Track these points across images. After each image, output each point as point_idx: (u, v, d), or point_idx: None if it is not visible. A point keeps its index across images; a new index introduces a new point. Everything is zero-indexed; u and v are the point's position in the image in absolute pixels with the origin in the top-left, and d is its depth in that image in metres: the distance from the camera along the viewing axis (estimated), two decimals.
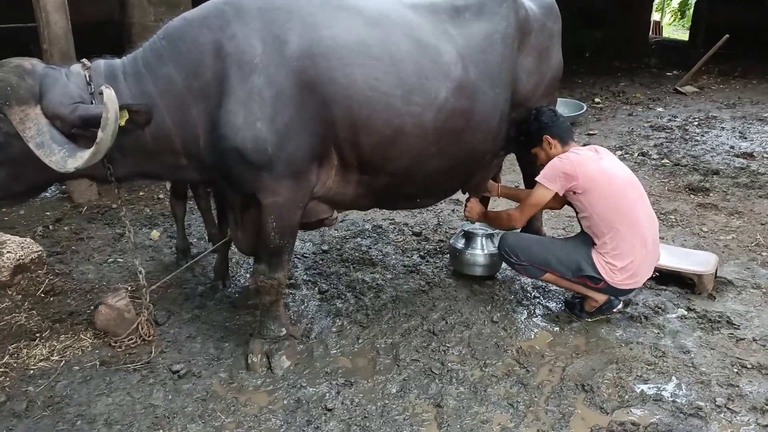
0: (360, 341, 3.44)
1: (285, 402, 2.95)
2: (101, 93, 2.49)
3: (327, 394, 2.99)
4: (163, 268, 4.28)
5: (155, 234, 4.88)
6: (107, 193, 5.60)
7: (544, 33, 3.59)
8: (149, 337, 3.33)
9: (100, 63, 2.86)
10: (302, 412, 2.87)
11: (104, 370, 3.15)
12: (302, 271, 4.29)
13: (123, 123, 2.57)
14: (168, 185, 5.02)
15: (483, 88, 3.25)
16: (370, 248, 4.66)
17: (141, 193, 5.84)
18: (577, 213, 3.52)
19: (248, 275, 4.02)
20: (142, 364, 3.19)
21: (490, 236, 4.12)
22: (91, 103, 2.70)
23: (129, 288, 3.84)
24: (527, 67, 3.52)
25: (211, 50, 2.77)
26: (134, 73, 2.83)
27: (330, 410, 2.87)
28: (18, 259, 3.90)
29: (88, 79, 2.74)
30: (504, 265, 4.01)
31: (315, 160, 2.99)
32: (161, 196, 5.75)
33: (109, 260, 4.44)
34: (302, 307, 3.81)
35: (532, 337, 3.49)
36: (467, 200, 3.99)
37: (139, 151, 2.83)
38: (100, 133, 2.46)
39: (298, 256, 4.49)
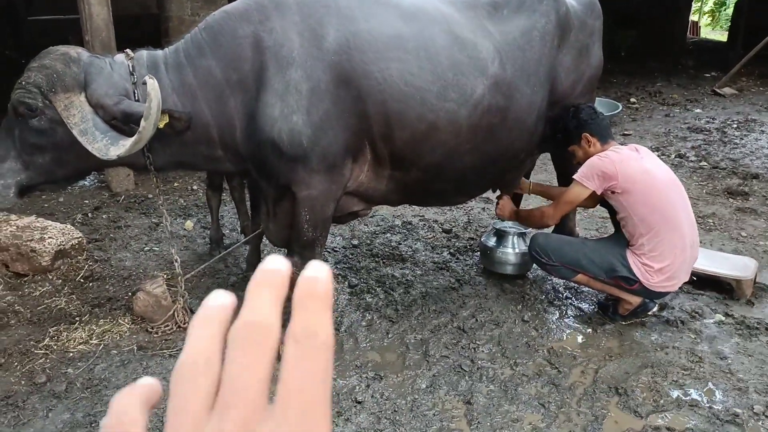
0: (389, 336, 3.45)
1: None
2: (144, 83, 2.54)
3: (357, 387, 3.00)
4: (197, 258, 4.34)
5: (189, 224, 4.95)
6: (144, 183, 5.70)
7: (585, 30, 3.54)
8: (185, 324, 3.39)
9: (143, 54, 2.91)
10: (333, 403, 2.89)
11: (141, 355, 3.22)
12: (332, 264, 4.32)
13: (162, 126, 2.63)
14: (205, 176, 5.09)
15: (520, 86, 3.22)
16: (400, 244, 4.66)
17: (176, 184, 5.93)
18: (611, 213, 3.46)
19: None
20: (177, 350, 3.24)
21: (521, 235, 4.09)
22: (134, 92, 2.76)
23: (165, 276, 3.90)
24: (566, 64, 3.48)
25: (251, 43, 2.80)
26: (175, 65, 2.87)
27: (360, 403, 2.89)
28: (59, 245, 4.00)
29: (131, 69, 2.79)
30: (535, 264, 3.98)
31: (349, 154, 3.00)
32: (195, 187, 5.84)
33: (146, 248, 4.52)
34: (332, 300, 3.83)
35: (564, 337, 3.46)
36: (498, 198, 3.96)
37: (177, 141, 2.88)
38: (143, 122, 2.51)
39: (329, 250, 4.52)
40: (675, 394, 2.95)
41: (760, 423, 2.76)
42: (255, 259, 4.11)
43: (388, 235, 4.84)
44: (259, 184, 3.33)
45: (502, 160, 3.43)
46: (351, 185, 3.14)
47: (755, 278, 3.88)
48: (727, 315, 3.61)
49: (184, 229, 4.89)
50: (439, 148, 3.11)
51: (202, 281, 4.01)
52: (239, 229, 4.60)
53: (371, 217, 5.12)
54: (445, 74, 3.00)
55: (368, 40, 2.88)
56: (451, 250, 4.56)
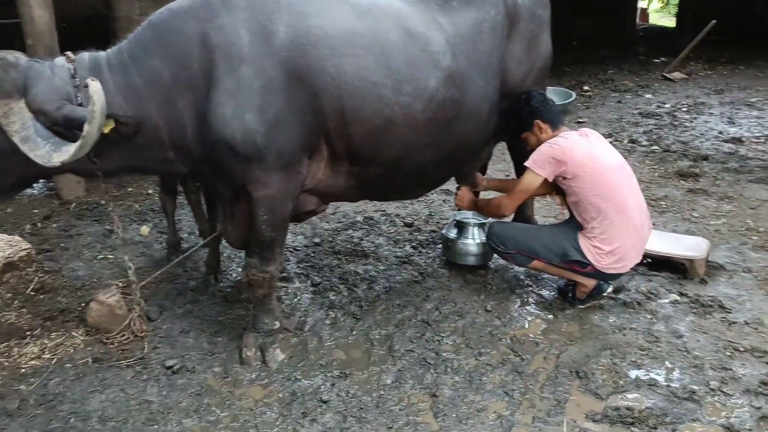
0: (354, 333, 3.44)
1: (280, 395, 2.94)
2: (86, 86, 2.46)
3: (322, 386, 2.98)
4: (154, 264, 4.24)
5: (145, 230, 4.84)
6: (96, 190, 5.54)
7: (534, 20, 3.57)
8: (141, 333, 3.31)
9: (85, 56, 2.82)
10: (298, 404, 2.86)
11: (97, 367, 3.13)
12: (294, 264, 4.27)
13: (107, 131, 2.55)
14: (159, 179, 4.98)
15: (473, 78, 3.23)
16: (362, 240, 4.64)
17: (130, 189, 5.79)
18: (565, 198, 3.52)
19: (240, 269, 4.00)
20: (135, 360, 3.17)
21: (481, 225, 4.11)
22: (76, 96, 2.67)
23: (120, 284, 3.80)
24: (517, 55, 3.50)
25: (198, 41, 2.73)
26: (119, 66, 2.79)
27: (325, 402, 2.87)
28: (6, 258, 3.85)
29: (72, 72, 2.70)
30: (494, 253, 4.01)
31: (305, 152, 2.97)
32: (150, 191, 5.70)
33: (99, 257, 4.40)
34: (295, 300, 3.80)
35: (526, 325, 3.50)
36: (457, 189, 3.98)
37: (125, 145, 2.80)
38: (86, 127, 2.42)
39: (290, 249, 4.47)
40: (634, 374, 3.01)
41: (716, 398, 2.83)
42: (215, 262, 4.04)
43: (350, 231, 4.82)
44: (214, 185, 3.27)
45: (459, 152, 3.44)
46: (309, 183, 3.11)
47: (707, 257, 3.98)
48: (681, 294, 3.70)
49: (140, 235, 4.77)
50: (396, 142, 3.09)
51: (161, 287, 3.92)
52: (197, 232, 4.51)
53: (332, 214, 5.09)
54: (399, 69, 2.98)
55: (321, 36, 2.84)
56: (414, 244, 4.56)
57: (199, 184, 4.08)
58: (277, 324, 3.27)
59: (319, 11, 2.89)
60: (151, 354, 3.23)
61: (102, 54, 2.87)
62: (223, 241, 4.20)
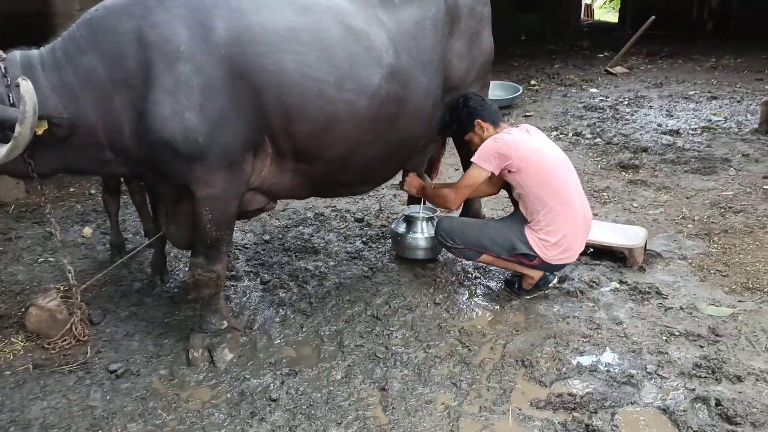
0: (304, 330, 3.44)
1: (228, 395, 2.92)
2: (18, 85, 2.38)
3: (271, 385, 2.97)
4: (98, 266, 4.14)
5: (87, 231, 4.71)
6: (35, 191, 5.35)
7: (474, 17, 3.63)
8: (84, 337, 3.23)
9: (16, 54, 2.73)
10: (246, 404, 2.85)
11: (38, 374, 3.04)
12: (243, 262, 4.24)
13: (41, 132, 2.48)
14: (101, 179, 4.85)
15: (415, 74, 3.26)
16: (313, 236, 4.64)
17: (71, 189, 5.62)
18: (510, 193, 3.59)
19: (187, 269, 3.94)
20: (77, 365, 3.09)
21: (430, 220, 4.16)
22: (8, 96, 2.58)
23: (61, 288, 3.69)
24: (458, 51, 3.55)
25: (134, 39, 2.68)
26: (53, 64, 2.71)
27: (275, 401, 2.86)
28: None
29: (3, 71, 2.61)
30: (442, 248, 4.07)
31: (249, 150, 2.95)
32: (93, 191, 5.55)
33: (40, 260, 4.27)
34: (244, 298, 3.77)
35: (474, 317, 3.56)
36: (404, 176, 3.98)
37: (61, 145, 2.72)
38: (18, 128, 2.35)
39: (239, 247, 4.43)
40: (576, 361, 3.11)
41: (652, 381, 2.95)
42: (160, 262, 3.97)
43: (300, 228, 4.80)
44: (155, 185, 3.21)
45: (404, 147, 3.48)
46: (254, 181, 3.09)
47: (645, 246, 4.14)
48: (621, 282, 3.84)
49: (83, 236, 4.64)
50: (341, 139, 3.10)
51: (104, 290, 3.84)
52: (142, 233, 4.42)
53: (282, 210, 5.07)
54: (341, 65, 2.98)
55: (261, 32, 2.82)
56: (364, 239, 4.58)
57: (143, 184, 4.00)
58: (225, 323, 3.24)
59: (259, 8, 2.86)
60: (94, 359, 3.15)
61: (35, 52, 2.78)
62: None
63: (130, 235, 4.62)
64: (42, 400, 2.87)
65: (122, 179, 4.10)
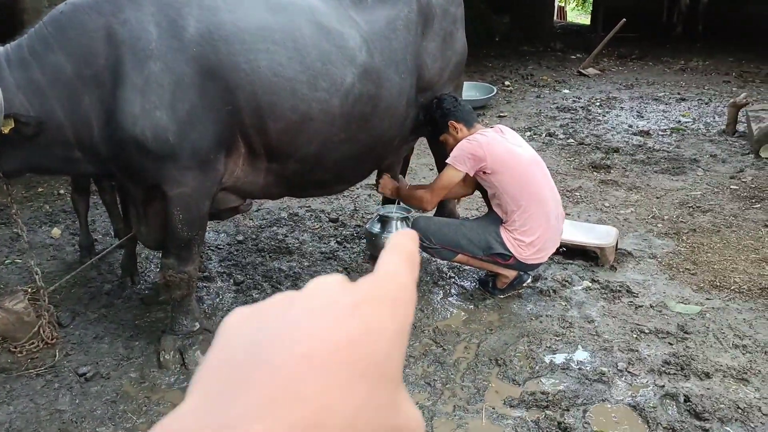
0: None
1: None
2: None
3: None
4: (66, 267, 4.06)
5: (56, 232, 4.62)
6: (2, 191, 5.22)
7: (448, 18, 3.65)
8: (52, 340, 3.17)
9: None
10: None
11: (4, 378, 2.97)
12: (217, 263, 4.19)
13: (6, 130, 2.42)
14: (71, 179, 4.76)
15: (388, 74, 3.28)
16: (287, 236, 4.61)
17: (40, 189, 5.50)
18: (484, 194, 3.62)
19: (158, 270, 3.88)
20: (45, 369, 3.03)
21: (404, 220, 4.16)
22: None
23: (29, 290, 3.61)
24: (432, 52, 3.58)
25: (103, 36, 2.64)
26: (19, 61, 2.65)
27: None
28: None
29: None
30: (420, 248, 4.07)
31: (222, 149, 2.92)
32: (62, 191, 5.44)
33: (7, 261, 4.17)
34: (217, 300, 3.73)
35: (448, 316, 3.58)
36: (378, 177, 4.00)
37: (28, 144, 2.66)
38: None
39: (212, 248, 4.38)
40: (548, 359, 3.14)
41: (623, 378, 3.00)
42: (131, 263, 3.90)
43: (275, 228, 4.77)
44: (126, 185, 3.16)
45: (377, 146, 3.48)
46: (227, 180, 3.06)
47: (617, 245, 4.20)
48: (593, 281, 3.89)
49: (51, 237, 4.55)
50: (314, 138, 3.09)
51: (73, 292, 3.76)
52: (112, 233, 4.35)
53: (256, 210, 5.03)
54: (314, 64, 2.98)
55: (233, 31, 2.80)
56: (339, 239, 4.57)
57: (114, 183, 3.94)
58: (197, 325, 3.21)
59: (231, 6, 2.85)
60: (62, 362, 3.09)
61: (0, 49, 2.72)
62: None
63: (100, 236, 4.54)
64: (8, 405, 2.80)
65: (92, 179, 4.03)
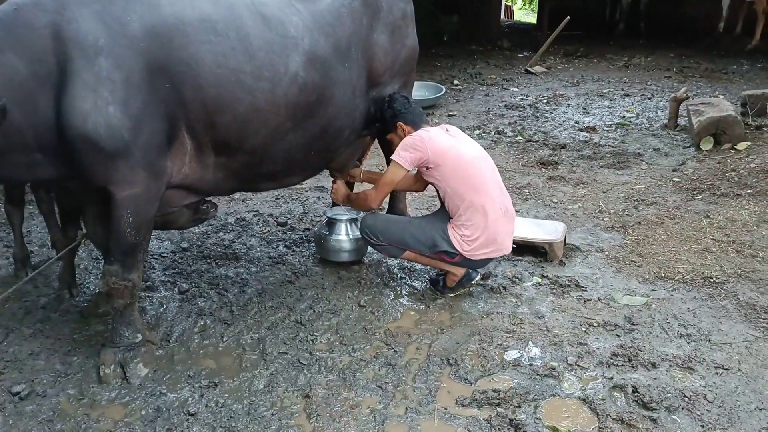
0: (225, 339, 3.31)
1: (143, 412, 2.76)
2: None
3: (189, 399, 2.84)
4: (0, 282, 3.85)
5: None
6: None
7: (395, 12, 3.71)
8: None
9: None
10: (162, 420, 2.71)
11: None
12: (160, 271, 4.05)
13: None
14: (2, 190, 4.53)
15: (333, 63, 3.29)
16: (234, 242, 4.50)
17: None
18: (437, 190, 3.62)
19: (99, 278, 3.73)
20: None
21: (353, 221, 4.12)
22: None
23: None
24: (382, 44, 3.62)
25: (50, 34, 2.56)
26: None
27: (193, 415, 2.74)
28: None
29: None
30: (370, 248, 4.03)
31: (170, 146, 2.87)
32: None
33: None
34: (161, 309, 3.60)
35: (399, 317, 3.54)
36: (333, 182, 4.00)
37: None
38: None
39: (156, 257, 4.24)
40: (500, 356, 3.14)
41: (573, 372, 3.02)
42: (69, 275, 3.73)
43: (221, 234, 4.65)
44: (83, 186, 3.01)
45: (325, 136, 3.46)
46: (175, 179, 2.99)
47: (565, 240, 4.24)
48: (543, 276, 3.92)
49: None
50: (261, 129, 3.08)
51: (6, 307, 3.57)
52: (49, 244, 4.16)
53: None
54: (258, 54, 2.97)
55: (175, 24, 2.78)
56: (287, 243, 4.48)
57: (52, 194, 3.76)
58: (140, 336, 3.08)
59: (172, 0, 2.81)
60: None
61: None
62: (79, 253, 3.92)
63: (36, 248, 4.34)
64: None
65: (29, 188, 3.84)
